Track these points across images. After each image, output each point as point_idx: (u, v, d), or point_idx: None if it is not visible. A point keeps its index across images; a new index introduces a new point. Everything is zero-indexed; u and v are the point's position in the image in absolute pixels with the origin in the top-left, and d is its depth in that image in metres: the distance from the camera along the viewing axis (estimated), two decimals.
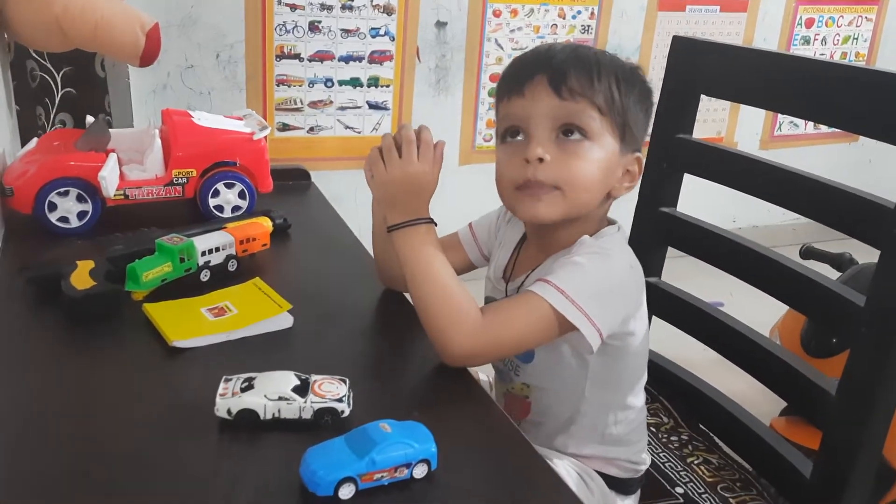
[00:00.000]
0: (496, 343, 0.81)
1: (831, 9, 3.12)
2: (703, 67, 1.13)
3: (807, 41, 3.12)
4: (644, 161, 0.90)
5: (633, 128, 0.87)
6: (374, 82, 2.56)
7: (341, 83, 2.52)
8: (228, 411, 0.69)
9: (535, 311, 0.80)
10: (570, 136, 0.83)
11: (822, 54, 3.16)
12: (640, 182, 0.98)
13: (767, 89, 1.06)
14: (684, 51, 1.14)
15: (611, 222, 0.92)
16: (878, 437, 0.90)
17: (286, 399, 0.69)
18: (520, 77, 0.85)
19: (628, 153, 0.87)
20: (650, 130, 0.99)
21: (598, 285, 0.83)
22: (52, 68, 1.91)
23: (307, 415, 0.69)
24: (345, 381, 0.72)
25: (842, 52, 3.20)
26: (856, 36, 3.20)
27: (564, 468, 0.92)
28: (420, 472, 0.64)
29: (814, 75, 1.00)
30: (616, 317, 0.85)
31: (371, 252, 1.00)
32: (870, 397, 0.88)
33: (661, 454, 1.10)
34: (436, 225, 0.86)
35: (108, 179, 1.05)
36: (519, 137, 0.85)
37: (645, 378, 0.98)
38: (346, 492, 0.61)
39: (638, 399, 0.96)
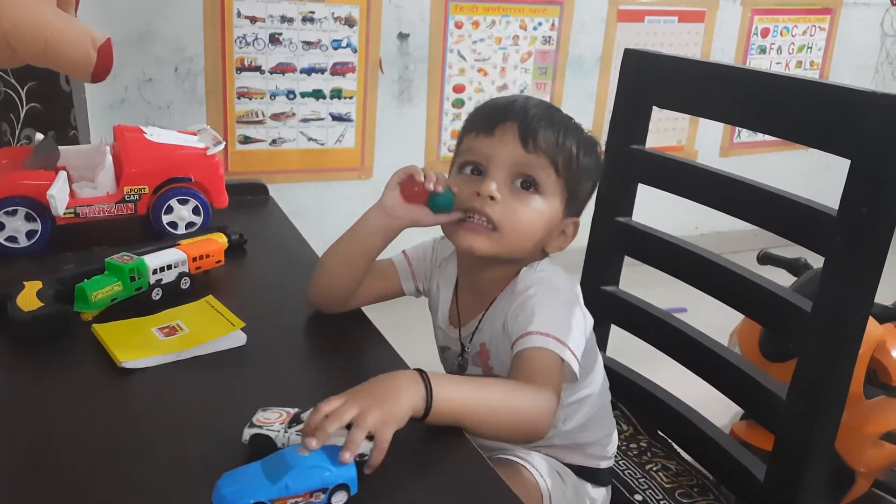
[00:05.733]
0: (557, 400, 0.80)
1: (786, 19, 3.19)
2: (654, 80, 1.15)
3: (763, 50, 3.19)
4: (579, 226, 0.95)
5: (579, 195, 0.92)
6: (337, 94, 2.55)
7: (304, 95, 2.51)
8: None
9: (547, 362, 0.81)
10: (525, 187, 0.88)
11: (778, 63, 3.23)
12: (595, 197, 1.00)
13: (717, 101, 1.08)
14: (636, 63, 1.16)
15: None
16: (827, 438, 0.92)
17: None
18: (492, 118, 0.89)
19: (569, 216, 0.92)
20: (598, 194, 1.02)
21: (564, 316, 0.86)
22: (15, 84, 1.88)
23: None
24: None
25: (797, 60, 3.28)
26: (810, 45, 3.27)
27: (537, 459, 0.94)
28: (339, 499, 0.62)
29: (761, 87, 1.01)
30: (582, 339, 0.87)
31: None
32: (818, 400, 0.90)
33: (620, 462, 1.10)
34: (424, 373, 0.73)
35: (58, 198, 1.04)
36: (477, 174, 0.88)
37: (597, 371, 1.00)
38: None
39: (588, 388, 0.98)
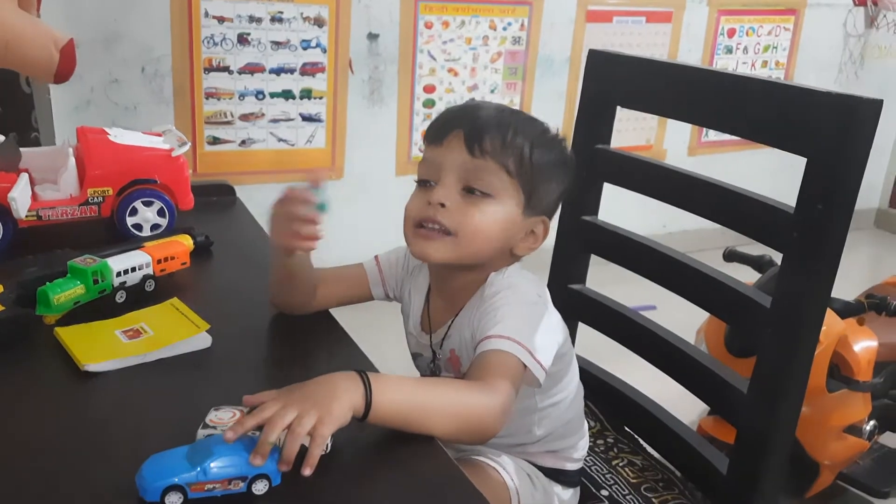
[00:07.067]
0: (510, 399, 0.79)
1: (751, 19, 3.24)
2: (618, 80, 1.17)
3: (729, 51, 3.23)
4: (549, 225, 0.93)
5: (542, 192, 0.90)
6: (306, 94, 2.55)
7: (273, 95, 2.50)
8: None
9: (505, 363, 0.80)
10: (474, 193, 0.87)
11: (745, 63, 3.28)
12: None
13: (678, 101, 1.09)
14: (600, 64, 1.18)
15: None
16: (786, 431, 0.94)
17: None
18: (441, 128, 0.90)
19: (533, 216, 0.91)
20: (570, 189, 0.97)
21: (530, 322, 0.85)
22: None
23: None
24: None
25: (763, 60, 3.33)
26: (775, 45, 3.33)
27: (506, 460, 0.94)
28: (260, 487, 0.63)
29: (721, 88, 1.03)
30: (550, 345, 0.87)
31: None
32: (777, 393, 0.92)
33: (587, 458, 1.11)
34: (363, 372, 0.72)
35: (19, 200, 1.02)
36: (430, 184, 0.89)
37: (571, 376, 1.00)
38: (173, 500, 0.61)
39: (563, 393, 0.98)
